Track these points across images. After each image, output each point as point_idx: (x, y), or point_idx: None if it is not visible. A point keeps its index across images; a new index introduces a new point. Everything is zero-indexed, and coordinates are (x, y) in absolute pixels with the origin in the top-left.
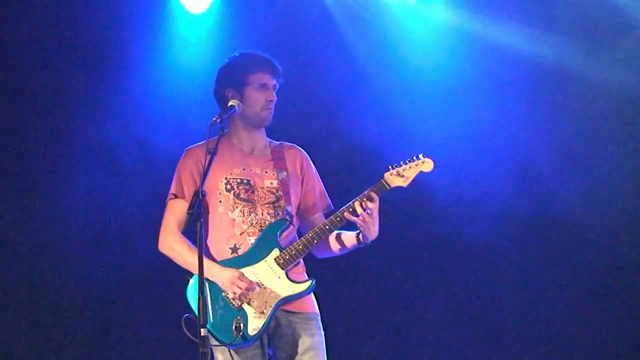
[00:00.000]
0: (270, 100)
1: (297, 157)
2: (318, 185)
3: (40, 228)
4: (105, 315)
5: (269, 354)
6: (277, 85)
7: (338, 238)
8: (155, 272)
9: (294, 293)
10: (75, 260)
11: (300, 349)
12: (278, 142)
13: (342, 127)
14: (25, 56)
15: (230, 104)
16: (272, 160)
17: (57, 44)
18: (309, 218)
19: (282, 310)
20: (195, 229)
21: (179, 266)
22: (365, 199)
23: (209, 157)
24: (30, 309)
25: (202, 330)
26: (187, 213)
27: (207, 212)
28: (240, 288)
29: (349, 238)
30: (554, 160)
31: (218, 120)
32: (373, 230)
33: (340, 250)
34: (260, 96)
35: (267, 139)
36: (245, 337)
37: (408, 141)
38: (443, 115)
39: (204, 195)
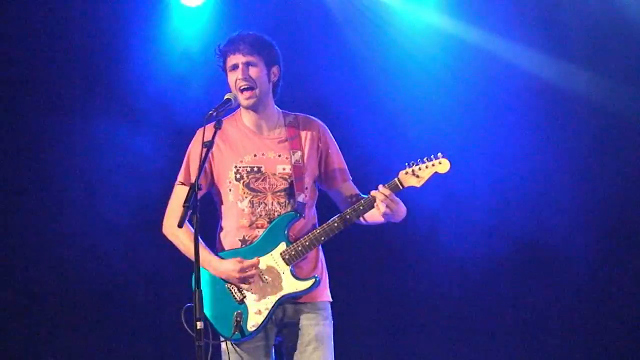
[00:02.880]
0: (239, 79)
1: (314, 131)
2: (338, 158)
3: (40, 224)
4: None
5: (275, 343)
6: (257, 59)
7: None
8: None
9: (296, 291)
10: (77, 255)
11: (304, 341)
12: (293, 115)
13: (339, 125)
14: (24, 50)
15: (226, 97)
16: (287, 140)
17: (54, 38)
18: (336, 189)
19: (290, 302)
20: (192, 222)
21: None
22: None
23: (204, 150)
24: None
25: (198, 323)
26: (183, 206)
27: (220, 200)
28: (250, 276)
29: (375, 215)
30: (547, 172)
31: (214, 114)
32: (401, 212)
33: (369, 222)
34: (232, 78)
35: (281, 111)
36: (244, 332)
37: (404, 143)
38: (437, 118)
39: (199, 189)
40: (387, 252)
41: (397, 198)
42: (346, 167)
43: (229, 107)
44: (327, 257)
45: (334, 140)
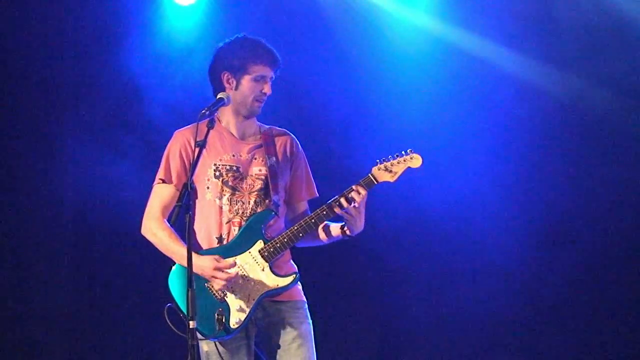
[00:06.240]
0: (265, 93)
1: (287, 142)
2: (305, 171)
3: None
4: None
5: (255, 342)
6: (273, 78)
7: (323, 228)
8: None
9: (278, 287)
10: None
11: (288, 338)
12: (268, 127)
13: (329, 125)
14: (19, 47)
15: (219, 96)
16: (262, 145)
17: (45, 38)
18: (294, 204)
19: (269, 300)
20: (184, 221)
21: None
22: (352, 193)
23: (197, 149)
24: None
25: (190, 322)
26: (176, 205)
27: (195, 198)
28: (223, 278)
29: (334, 229)
30: (537, 173)
31: (207, 113)
32: (359, 224)
33: (324, 240)
34: (256, 87)
35: (258, 122)
36: (228, 330)
37: (393, 140)
38: (427, 118)
39: (192, 188)
40: (367, 254)
41: (363, 210)
42: (314, 183)
43: (223, 106)
44: (308, 260)
45: (304, 155)
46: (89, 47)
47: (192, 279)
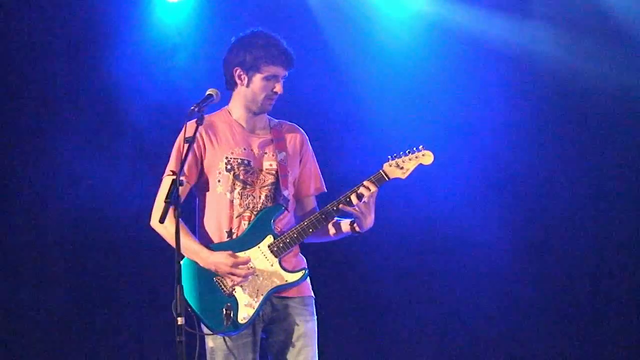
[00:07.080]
0: (276, 92)
1: (297, 137)
2: (314, 167)
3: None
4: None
5: (261, 337)
6: (287, 76)
7: (333, 224)
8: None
9: (286, 283)
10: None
11: (294, 335)
12: (277, 121)
13: (323, 123)
14: (6, 44)
15: (208, 92)
16: (273, 140)
17: (37, 34)
18: (302, 199)
19: (277, 296)
20: (173, 217)
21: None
22: (361, 189)
23: (186, 146)
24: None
25: (178, 319)
26: (165, 202)
27: (206, 190)
28: (241, 274)
29: (344, 225)
30: (535, 158)
31: (196, 110)
32: (369, 221)
33: (334, 236)
34: (267, 86)
35: (267, 116)
36: (236, 325)
37: (391, 138)
38: (423, 111)
39: (181, 184)
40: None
41: (373, 207)
42: (322, 179)
43: (211, 103)
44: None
45: (312, 151)
46: (78, 46)
47: (181, 276)
